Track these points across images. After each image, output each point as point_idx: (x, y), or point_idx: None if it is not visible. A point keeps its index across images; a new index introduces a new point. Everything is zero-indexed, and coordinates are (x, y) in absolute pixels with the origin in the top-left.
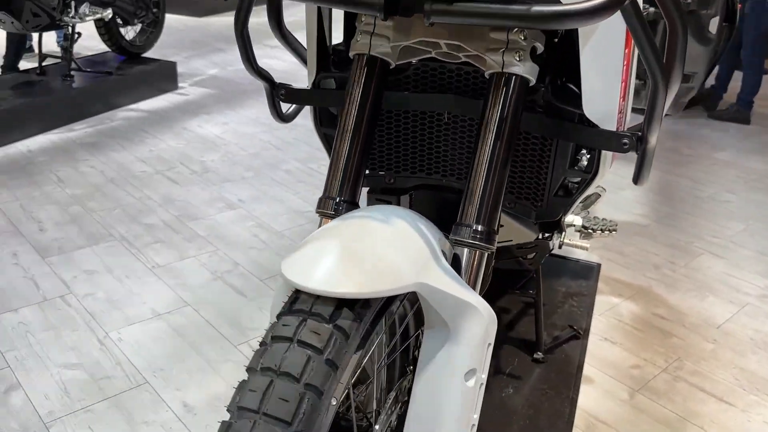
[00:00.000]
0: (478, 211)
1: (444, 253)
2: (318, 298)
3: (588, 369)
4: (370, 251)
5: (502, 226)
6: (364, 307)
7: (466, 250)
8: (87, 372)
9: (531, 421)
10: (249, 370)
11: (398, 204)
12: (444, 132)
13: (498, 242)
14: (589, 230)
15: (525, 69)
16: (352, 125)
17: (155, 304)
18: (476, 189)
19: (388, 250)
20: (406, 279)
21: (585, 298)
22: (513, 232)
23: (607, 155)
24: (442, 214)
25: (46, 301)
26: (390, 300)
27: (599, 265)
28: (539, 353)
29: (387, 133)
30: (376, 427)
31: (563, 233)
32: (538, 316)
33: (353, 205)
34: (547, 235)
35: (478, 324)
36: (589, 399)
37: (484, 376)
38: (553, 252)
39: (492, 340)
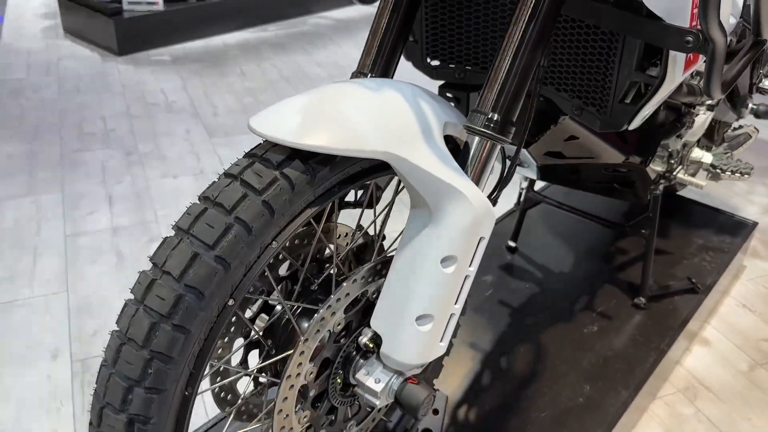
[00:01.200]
0: (496, 99)
1: (452, 138)
2: (275, 146)
3: (710, 331)
4: (342, 112)
5: (576, 138)
6: (321, 163)
7: (476, 138)
8: None
9: (605, 361)
10: (198, 197)
11: (467, 100)
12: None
13: (577, 158)
14: (718, 170)
15: None
16: (391, 4)
17: None
18: (499, 74)
19: (363, 115)
20: (372, 145)
21: (723, 255)
22: (593, 147)
23: (677, 58)
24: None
25: (202, 174)
26: (360, 167)
27: (755, 224)
28: (641, 298)
29: (452, 21)
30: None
31: (679, 167)
32: (647, 258)
33: None
34: (640, 159)
35: (463, 211)
36: (699, 361)
37: (472, 269)
38: (701, 202)
39: (485, 234)
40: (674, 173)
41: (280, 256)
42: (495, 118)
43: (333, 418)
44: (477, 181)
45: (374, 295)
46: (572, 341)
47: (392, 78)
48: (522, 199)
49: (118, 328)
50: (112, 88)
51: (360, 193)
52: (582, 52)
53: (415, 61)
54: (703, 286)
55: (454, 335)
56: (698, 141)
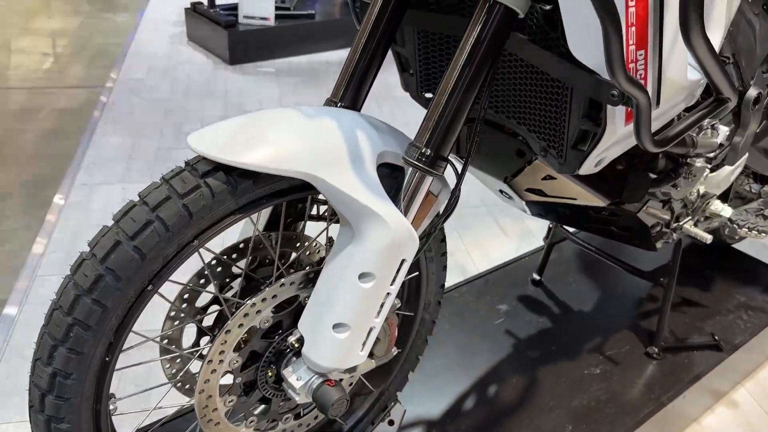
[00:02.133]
0: (430, 134)
1: (389, 165)
2: (204, 159)
3: (741, 393)
4: (271, 134)
5: (554, 177)
6: (243, 176)
7: (410, 169)
8: None
9: (597, 404)
10: (138, 195)
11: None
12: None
13: (559, 198)
14: (735, 225)
15: None
16: (367, 33)
17: None
18: (435, 111)
19: (290, 137)
20: (295, 166)
21: (763, 316)
22: (570, 188)
23: (615, 110)
24: (495, 151)
25: None
26: (289, 183)
27: None
28: (654, 348)
29: (441, 55)
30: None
31: (687, 218)
32: (663, 308)
33: (353, 109)
34: (633, 205)
35: (381, 233)
36: (720, 421)
37: (393, 288)
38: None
39: (408, 257)
40: (681, 224)
41: (234, 255)
42: (426, 153)
43: (266, 407)
44: (407, 207)
45: (306, 300)
46: (569, 379)
47: (361, 107)
48: (551, 234)
49: (55, 297)
50: (216, 94)
51: (324, 207)
52: (541, 96)
53: (412, 93)
54: (729, 344)
55: (421, 353)
56: (727, 193)
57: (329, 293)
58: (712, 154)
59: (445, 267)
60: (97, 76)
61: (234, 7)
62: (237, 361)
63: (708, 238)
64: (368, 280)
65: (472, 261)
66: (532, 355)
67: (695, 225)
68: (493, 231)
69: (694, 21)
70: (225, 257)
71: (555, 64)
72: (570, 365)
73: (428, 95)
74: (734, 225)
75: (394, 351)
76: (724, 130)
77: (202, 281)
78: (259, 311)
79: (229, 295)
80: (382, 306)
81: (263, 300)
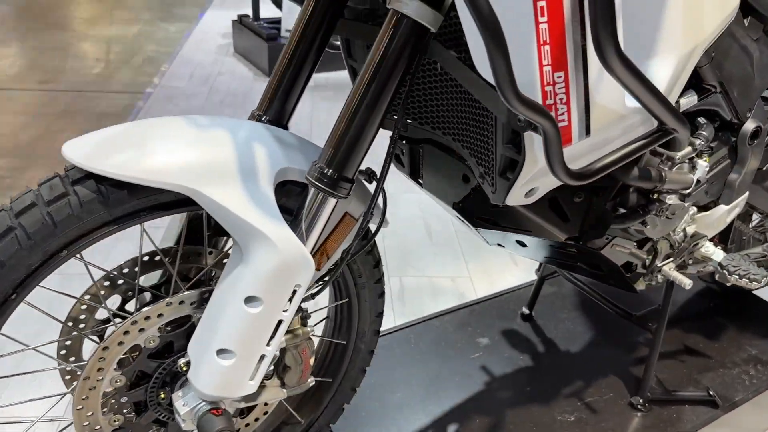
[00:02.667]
0: (333, 153)
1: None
2: (77, 167)
3: None
4: (151, 144)
5: (505, 208)
6: (117, 187)
7: (312, 189)
8: None
9: None
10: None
11: (414, 158)
12: (437, 80)
13: (514, 229)
14: (725, 271)
15: (418, 12)
16: (293, 46)
17: None
18: (339, 128)
19: (173, 149)
20: (172, 178)
21: None
22: (521, 219)
23: (533, 137)
24: (443, 175)
25: None
26: (175, 197)
27: None
28: (639, 398)
29: None
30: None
31: (668, 260)
32: (651, 355)
33: (278, 125)
34: (597, 241)
35: (269, 256)
36: None
37: (286, 315)
38: None
39: (302, 282)
40: (659, 265)
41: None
42: (327, 173)
43: (162, 430)
44: (307, 229)
45: (198, 321)
46: (537, 424)
47: (288, 120)
48: (542, 266)
49: None
50: (251, 104)
51: None
52: (474, 117)
53: None
54: (726, 401)
55: (356, 385)
56: (727, 235)
57: (215, 316)
58: (688, 191)
59: (381, 294)
60: (141, 83)
61: (278, 21)
62: (120, 380)
63: (687, 283)
64: (255, 305)
65: (474, 290)
66: (503, 395)
67: (684, 267)
68: (502, 259)
69: (605, 38)
70: (115, 272)
71: (476, 84)
72: (542, 409)
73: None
74: (724, 271)
75: (311, 381)
76: (702, 166)
77: (103, 292)
78: (142, 329)
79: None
80: (273, 334)
81: (146, 318)
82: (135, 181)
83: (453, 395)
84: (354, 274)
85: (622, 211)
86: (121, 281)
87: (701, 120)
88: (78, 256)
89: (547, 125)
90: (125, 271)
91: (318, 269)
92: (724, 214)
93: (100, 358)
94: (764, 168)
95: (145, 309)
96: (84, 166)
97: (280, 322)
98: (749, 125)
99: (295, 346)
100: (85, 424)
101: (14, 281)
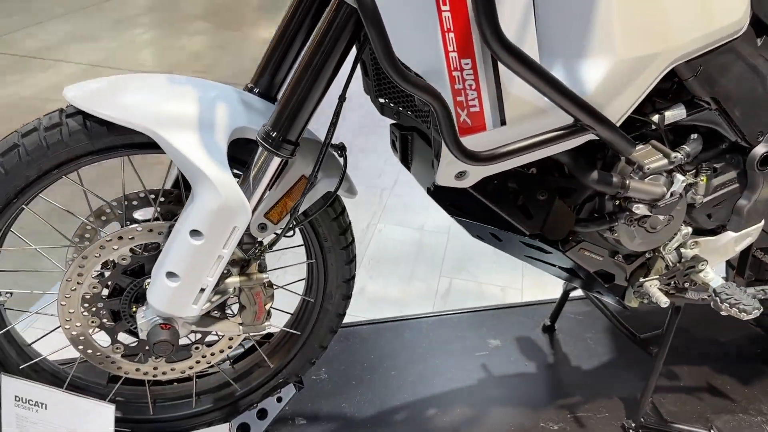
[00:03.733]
0: (278, 118)
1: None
2: (71, 105)
3: None
4: (133, 92)
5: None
6: (99, 123)
7: (259, 148)
8: None
9: None
10: None
11: (405, 144)
12: None
13: (483, 221)
14: (717, 299)
15: None
16: (286, 21)
17: None
18: (285, 96)
19: (149, 98)
20: (139, 121)
21: None
22: (484, 210)
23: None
24: (420, 160)
25: None
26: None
27: None
28: (631, 422)
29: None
30: None
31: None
32: (649, 381)
33: (266, 96)
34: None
35: (211, 197)
36: None
37: (225, 252)
38: None
39: (239, 225)
40: (641, 280)
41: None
42: (273, 134)
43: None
44: (252, 182)
45: None
46: (515, 425)
47: (275, 94)
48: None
49: None
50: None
51: None
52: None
53: (371, 96)
54: None
55: (324, 343)
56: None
57: (170, 244)
58: (665, 202)
59: (350, 261)
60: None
61: None
62: (96, 288)
63: (664, 301)
64: (198, 239)
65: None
66: (491, 393)
67: (683, 291)
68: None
69: (485, 24)
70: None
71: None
72: (527, 413)
73: (381, 100)
74: (717, 297)
75: (267, 325)
76: (679, 179)
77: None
78: (115, 247)
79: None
80: (215, 267)
81: (119, 238)
82: (110, 120)
83: (439, 386)
84: (320, 238)
85: (593, 215)
86: (120, 211)
87: (693, 136)
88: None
89: (434, 103)
90: (125, 203)
91: (275, 223)
92: (731, 241)
93: (80, 265)
94: None
95: (117, 230)
96: (74, 104)
97: (219, 257)
98: (759, 149)
99: (250, 288)
100: (67, 319)
101: (15, 188)
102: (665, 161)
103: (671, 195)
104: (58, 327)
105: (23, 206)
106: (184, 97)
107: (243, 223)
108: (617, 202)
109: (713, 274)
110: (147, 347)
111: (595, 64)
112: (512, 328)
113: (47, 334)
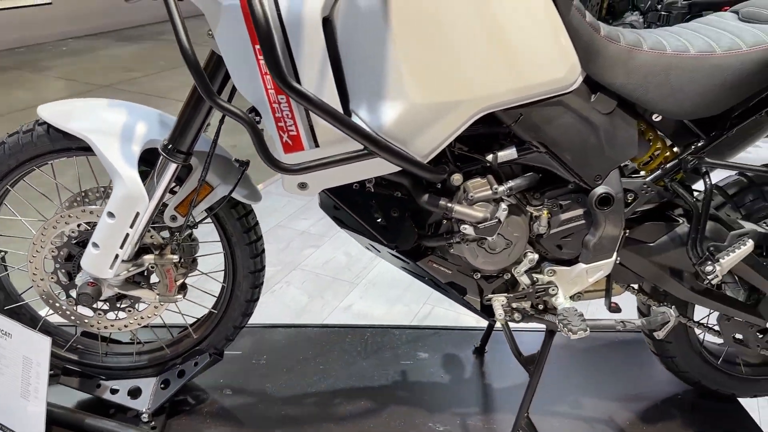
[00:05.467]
0: (172, 132)
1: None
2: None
3: None
4: (81, 110)
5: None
6: (56, 130)
7: (161, 156)
8: None
9: None
10: None
11: None
12: None
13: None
14: (557, 319)
15: None
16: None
17: None
18: (178, 116)
19: (90, 115)
20: (78, 129)
21: None
22: (357, 223)
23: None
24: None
25: None
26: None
27: None
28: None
29: None
30: None
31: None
32: (525, 395)
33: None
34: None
35: (120, 189)
36: None
37: (132, 231)
38: None
39: (141, 212)
40: (486, 295)
41: None
42: (169, 145)
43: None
44: (156, 181)
45: None
46: (410, 424)
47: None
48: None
49: None
50: None
51: None
52: None
53: None
54: None
55: (237, 324)
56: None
57: (99, 222)
58: (484, 225)
59: (255, 256)
60: None
61: None
62: (55, 251)
63: (498, 314)
64: (112, 219)
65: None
66: (398, 393)
67: (544, 312)
68: None
69: (271, 70)
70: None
71: None
72: (421, 413)
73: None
74: (557, 318)
75: (179, 297)
76: (501, 207)
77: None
78: (67, 222)
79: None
80: (125, 242)
81: (69, 216)
82: (62, 128)
83: (355, 382)
84: (227, 233)
85: (434, 232)
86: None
87: (528, 174)
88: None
89: (246, 126)
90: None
91: (182, 216)
92: (582, 272)
93: (42, 233)
94: (653, 243)
95: (68, 210)
96: (43, 117)
97: (127, 234)
98: (597, 191)
99: (162, 265)
100: (34, 272)
101: (1, 172)
102: (489, 192)
103: (490, 220)
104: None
105: (8, 187)
106: (115, 116)
107: (143, 210)
108: (450, 222)
109: (562, 299)
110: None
111: (393, 106)
112: (446, 347)
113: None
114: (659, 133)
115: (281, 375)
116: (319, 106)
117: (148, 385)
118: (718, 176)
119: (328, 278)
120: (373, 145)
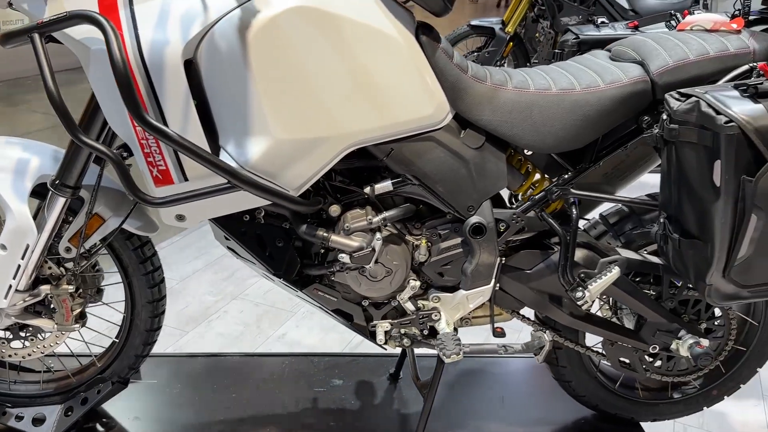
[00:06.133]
0: (60, 168)
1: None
2: None
3: None
4: None
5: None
6: None
7: (50, 190)
8: None
9: None
10: None
11: None
12: None
13: (247, 260)
14: (435, 343)
15: None
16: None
17: None
18: (65, 153)
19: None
20: None
21: None
22: (248, 254)
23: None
24: None
25: None
26: None
27: None
28: None
29: None
30: None
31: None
32: (420, 419)
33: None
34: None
35: (10, 221)
36: None
37: (23, 262)
38: None
39: (31, 244)
40: (374, 321)
41: None
42: (56, 181)
43: None
44: (46, 215)
45: None
46: None
47: None
48: None
49: None
50: None
51: None
52: None
53: None
54: None
55: (139, 353)
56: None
57: None
58: (359, 254)
59: (152, 286)
60: None
61: None
62: None
63: (380, 339)
64: (4, 250)
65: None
66: (303, 417)
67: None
68: None
69: (129, 109)
70: None
71: None
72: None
73: None
74: (435, 342)
75: (76, 326)
76: (376, 237)
77: None
78: None
79: None
80: (17, 273)
81: None
82: None
83: (264, 407)
84: (124, 264)
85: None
86: None
87: (405, 204)
88: None
89: (110, 161)
90: None
91: (76, 248)
92: (463, 298)
93: None
94: (530, 270)
95: None
96: None
97: (19, 266)
98: (470, 221)
99: (58, 295)
100: None
101: None
102: (365, 222)
103: (364, 249)
104: None
105: None
106: (10, 152)
107: (33, 242)
108: (331, 252)
109: (444, 324)
110: None
111: (258, 142)
112: (362, 374)
113: None
114: (535, 166)
115: (193, 404)
116: (176, 141)
117: (53, 412)
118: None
119: (266, 307)
120: (235, 178)
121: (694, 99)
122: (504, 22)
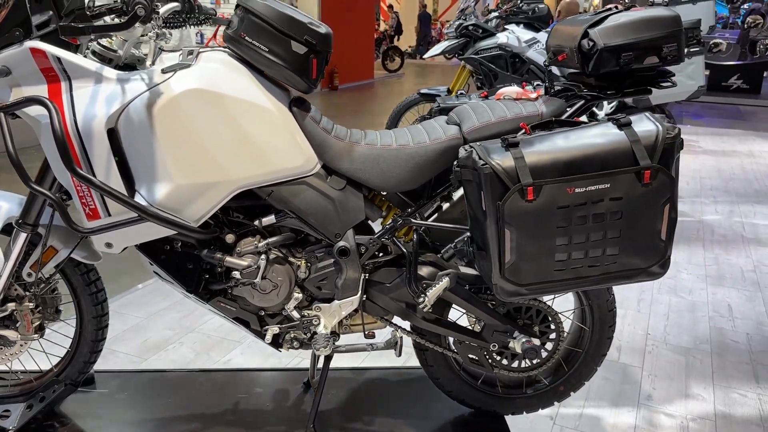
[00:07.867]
0: (23, 208)
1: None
2: None
3: None
4: None
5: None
6: None
7: (15, 227)
8: None
9: None
10: None
11: None
12: None
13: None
14: (311, 342)
15: None
16: None
17: None
18: (27, 196)
19: None
20: None
21: None
22: (168, 275)
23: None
24: None
25: None
26: None
27: None
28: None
29: None
30: None
31: (276, 324)
32: (311, 410)
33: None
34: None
35: None
36: None
37: None
38: None
39: (1, 272)
40: (263, 327)
41: None
42: (18, 219)
43: None
44: (11, 248)
45: None
46: None
47: None
48: None
49: None
50: None
51: None
52: None
53: None
54: None
55: (87, 360)
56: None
57: None
58: (246, 271)
59: (96, 304)
60: None
61: None
62: None
63: (267, 339)
64: None
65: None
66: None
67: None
68: None
69: (62, 159)
70: None
71: None
72: None
73: None
74: (312, 341)
75: (35, 336)
76: (261, 258)
77: None
78: None
79: None
80: None
81: None
82: None
83: (177, 415)
84: (73, 286)
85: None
86: None
87: (286, 233)
88: None
89: (52, 202)
90: None
91: (35, 272)
92: (337, 306)
93: None
94: (390, 283)
95: None
96: None
97: None
98: (338, 245)
99: (21, 311)
100: None
101: None
102: (253, 247)
103: (251, 267)
104: None
105: None
106: None
107: (1, 270)
108: (228, 271)
109: (322, 328)
110: None
111: (163, 186)
112: (283, 384)
113: None
114: (390, 202)
115: (135, 407)
116: (100, 187)
117: (16, 408)
118: None
119: (218, 339)
120: (143, 213)
121: (470, 149)
122: (449, 90)
